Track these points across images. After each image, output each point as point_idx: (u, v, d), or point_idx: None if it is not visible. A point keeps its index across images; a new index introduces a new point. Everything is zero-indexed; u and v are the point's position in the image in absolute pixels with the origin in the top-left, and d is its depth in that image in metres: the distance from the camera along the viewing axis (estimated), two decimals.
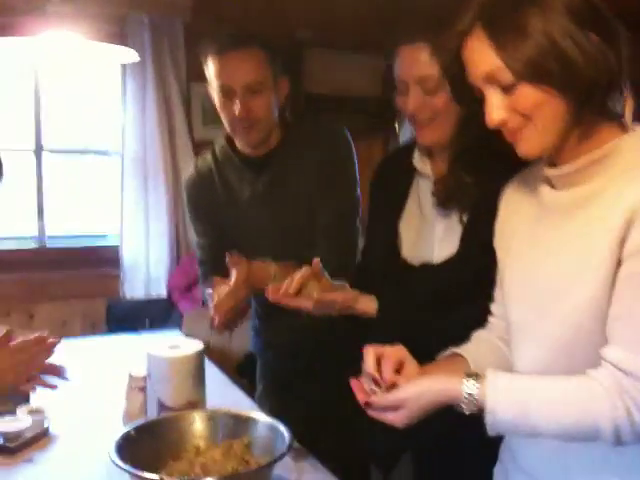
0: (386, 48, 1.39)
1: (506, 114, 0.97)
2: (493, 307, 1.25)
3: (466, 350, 1.18)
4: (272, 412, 1.60)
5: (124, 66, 3.03)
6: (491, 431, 0.99)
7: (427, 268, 1.43)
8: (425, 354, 1.22)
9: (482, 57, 0.96)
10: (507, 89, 0.96)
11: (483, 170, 1.35)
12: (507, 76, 0.94)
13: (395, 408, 1.02)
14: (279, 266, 1.67)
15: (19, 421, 1.57)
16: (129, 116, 3.07)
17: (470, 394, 0.98)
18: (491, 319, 1.25)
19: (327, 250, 1.70)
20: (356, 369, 1.71)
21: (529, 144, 0.99)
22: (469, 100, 1.04)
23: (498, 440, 1.22)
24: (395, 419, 1.03)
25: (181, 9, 3.09)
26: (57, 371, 1.49)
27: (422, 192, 1.49)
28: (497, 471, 1.26)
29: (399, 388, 1.04)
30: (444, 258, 1.40)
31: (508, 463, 1.20)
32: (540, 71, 0.92)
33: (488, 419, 0.97)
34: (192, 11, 3.14)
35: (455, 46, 1.00)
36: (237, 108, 1.65)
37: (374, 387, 1.08)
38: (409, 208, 1.52)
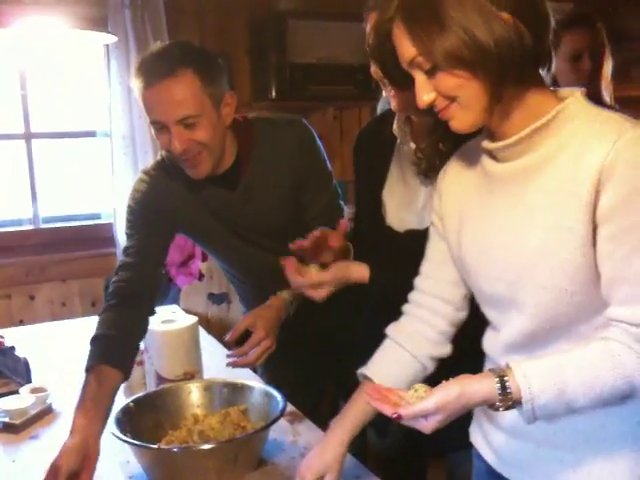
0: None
1: (433, 96, 1.01)
2: (421, 282, 1.25)
3: (380, 378, 1.21)
4: (272, 381, 1.64)
5: (107, 47, 3.02)
6: (529, 420, 0.97)
7: (412, 234, 1.46)
8: None
9: (403, 45, 1.00)
10: (429, 73, 1.00)
11: (461, 139, 1.37)
12: (425, 63, 0.98)
13: (427, 416, 0.98)
14: (288, 290, 1.63)
15: (23, 399, 1.62)
16: (115, 96, 3.06)
17: (504, 390, 0.95)
18: (414, 297, 1.26)
19: None
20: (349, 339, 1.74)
21: (458, 121, 1.03)
22: (402, 81, 1.08)
23: None
24: (427, 426, 0.98)
25: None
26: None
27: (404, 160, 1.50)
28: (473, 430, 1.28)
29: (428, 396, 0.99)
30: (428, 224, 1.43)
31: (484, 421, 1.23)
32: (453, 58, 0.95)
33: (526, 409, 0.95)
34: None
35: (385, 31, 1.05)
36: (174, 145, 1.50)
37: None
38: (392, 176, 1.53)
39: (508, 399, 0.95)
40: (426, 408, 0.97)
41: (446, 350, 1.24)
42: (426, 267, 1.25)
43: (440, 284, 1.22)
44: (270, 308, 1.63)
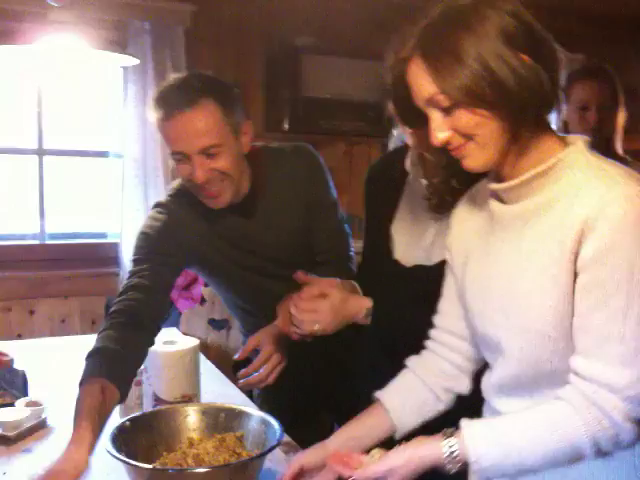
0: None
1: (448, 134, 1.02)
2: (438, 319, 1.27)
3: (390, 400, 1.24)
4: (268, 409, 1.63)
5: (125, 70, 3.08)
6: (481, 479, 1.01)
7: (420, 269, 1.46)
8: (413, 353, 1.28)
9: (421, 83, 1.00)
10: (447, 111, 1.00)
11: (474, 176, 1.38)
12: (445, 101, 0.99)
13: (382, 479, 1.03)
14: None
15: (17, 412, 1.61)
16: (130, 119, 3.11)
17: (452, 452, 0.99)
18: (433, 334, 1.27)
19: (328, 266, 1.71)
20: (344, 368, 1.72)
21: (472, 160, 1.03)
22: (415, 120, 1.09)
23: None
24: None
25: (181, 16, 3.13)
26: None
27: (415, 196, 1.52)
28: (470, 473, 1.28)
29: (383, 459, 1.04)
30: (437, 261, 1.42)
31: None
32: (475, 96, 0.96)
33: (474, 470, 0.99)
34: (192, 17, 3.17)
35: (399, 71, 1.05)
36: (197, 175, 1.50)
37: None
38: (401, 211, 1.55)
39: (456, 461, 0.99)
40: (378, 472, 1.02)
41: (464, 385, 1.25)
42: (441, 304, 1.26)
43: (453, 321, 1.23)
44: (279, 325, 1.62)
